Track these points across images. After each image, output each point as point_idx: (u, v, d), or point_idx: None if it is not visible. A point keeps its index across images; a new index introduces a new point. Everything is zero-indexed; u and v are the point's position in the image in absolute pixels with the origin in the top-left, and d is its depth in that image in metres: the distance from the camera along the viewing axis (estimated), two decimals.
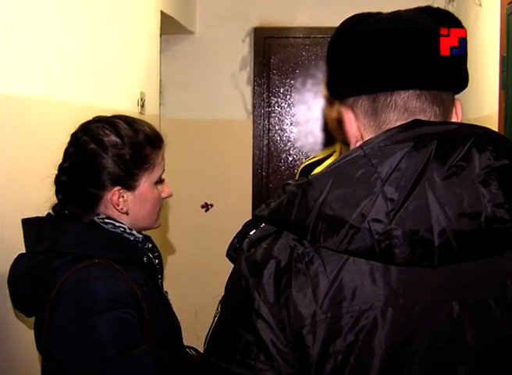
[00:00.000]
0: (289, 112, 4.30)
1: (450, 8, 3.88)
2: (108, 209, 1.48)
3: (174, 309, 1.63)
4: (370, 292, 0.85)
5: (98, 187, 1.46)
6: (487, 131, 0.90)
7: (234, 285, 0.93)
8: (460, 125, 0.91)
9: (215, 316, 0.96)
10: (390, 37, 0.92)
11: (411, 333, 0.85)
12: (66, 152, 1.50)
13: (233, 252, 0.98)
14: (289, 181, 0.94)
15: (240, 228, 0.99)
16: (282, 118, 4.31)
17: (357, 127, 0.97)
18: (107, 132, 1.46)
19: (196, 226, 4.24)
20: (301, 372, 0.86)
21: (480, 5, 2.99)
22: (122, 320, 1.33)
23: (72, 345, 1.33)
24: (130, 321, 1.34)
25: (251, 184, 4.28)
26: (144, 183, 1.49)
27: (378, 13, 0.98)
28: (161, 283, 1.61)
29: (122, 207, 1.47)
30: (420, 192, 0.84)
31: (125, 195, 1.47)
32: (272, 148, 4.32)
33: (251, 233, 0.95)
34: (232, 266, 0.97)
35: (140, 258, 1.50)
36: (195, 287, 4.06)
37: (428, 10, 0.97)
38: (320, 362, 0.85)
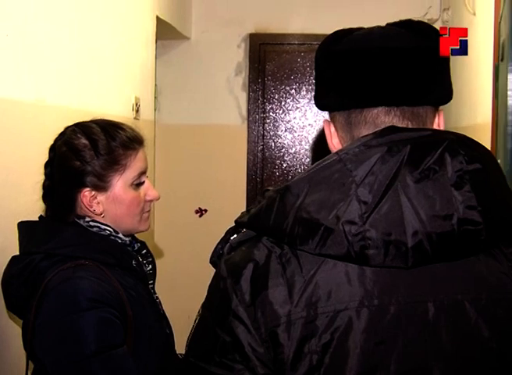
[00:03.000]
0: (283, 118, 4.31)
1: (445, 17, 3.90)
2: (85, 211, 1.50)
3: (168, 316, 1.63)
4: (345, 293, 0.87)
5: (70, 188, 1.49)
6: (459, 137, 0.93)
7: (214, 287, 0.95)
8: (434, 131, 0.94)
9: (196, 319, 0.98)
10: (357, 56, 0.96)
11: (386, 333, 0.86)
12: (48, 157, 1.55)
13: (217, 259, 1.00)
14: (269, 187, 0.97)
15: (223, 235, 1.02)
16: (277, 124, 4.32)
17: (338, 140, 1.01)
18: (78, 135, 1.50)
19: (190, 231, 4.24)
20: (276, 372, 0.88)
21: (474, 14, 3.01)
22: (104, 320, 1.34)
23: (54, 343, 1.35)
24: (112, 321, 1.35)
25: (245, 190, 4.28)
26: (116, 183, 1.49)
27: (359, 29, 1.01)
28: (153, 288, 1.61)
29: (96, 208, 1.49)
30: (393, 195, 0.86)
31: (98, 197, 1.49)
32: (267, 154, 4.33)
33: (232, 238, 0.99)
34: None
35: (128, 262, 1.51)
36: (188, 292, 4.05)
37: (406, 24, 1.00)
38: (295, 361, 0.86)
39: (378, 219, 0.85)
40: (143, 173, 1.55)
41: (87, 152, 1.48)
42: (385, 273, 0.88)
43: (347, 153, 0.90)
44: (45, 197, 1.53)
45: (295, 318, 0.87)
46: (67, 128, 1.54)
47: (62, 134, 1.53)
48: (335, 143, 1.01)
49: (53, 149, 1.53)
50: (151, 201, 1.57)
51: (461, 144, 0.91)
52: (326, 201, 0.87)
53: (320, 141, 4.26)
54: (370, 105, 0.96)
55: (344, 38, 0.99)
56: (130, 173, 1.51)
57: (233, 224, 1.01)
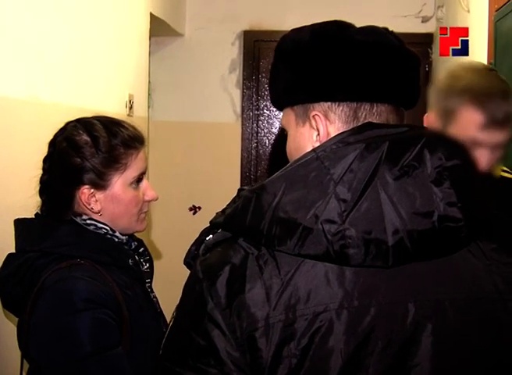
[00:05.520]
0: (277, 115, 4.30)
1: (439, 14, 3.90)
2: (83, 209, 1.48)
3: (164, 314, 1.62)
4: (324, 294, 0.85)
5: (68, 185, 1.47)
6: (437, 133, 0.93)
7: (189, 289, 0.93)
8: (411, 127, 0.93)
9: (170, 321, 0.95)
10: (381, 50, 0.96)
11: (367, 335, 0.85)
12: (47, 152, 1.52)
13: (191, 260, 0.98)
14: (244, 187, 0.94)
15: (198, 236, 0.99)
16: (271, 121, 4.32)
17: (325, 134, 0.98)
18: (80, 132, 1.47)
19: (183, 228, 4.22)
20: None
21: (468, 12, 3.01)
22: (99, 321, 1.33)
23: (49, 344, 1.33)
24: (107, 322, 1.34)
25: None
26: (116, 183, 1.47)
27: (351, 24, 1.00)
28: (150, 287, 1.60)
29: (93, 206, 1.47)
30: (372, 192, 0.84)
31: (96, 195, 1.46)
32: (261, 151, 4.32)
33: (207, 238, 0.95)
34: None
35: (124, 261, 1.49)
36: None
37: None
38: (273, 365, 0.84)
39: (358, 218, 0.83)
40: (143, 173, 1.53)
41: (88, 149, 1.45)
42: (365, 273, 0.86)
43: (324, 150, 0.88)
44: (42, 192, 1.51)
45: (273, 321, 0.84)
46: (68, 123, 1.51)
47: (62, 130, 1.51)
48: (322, 135, 0.96)
49: (53, 144, 1.50)
50: (149, 201, 1.56)
51: (439, 140, 0.91)
52: (304, 200, 0.85)
53: None
54: (381, 99, 0.96)
55: (350, 29, 0.97)
56: (131, 173, 1.49)
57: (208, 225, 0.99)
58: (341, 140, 0.89)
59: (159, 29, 3.76)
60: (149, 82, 3.58)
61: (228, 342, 0.85)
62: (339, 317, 0.84)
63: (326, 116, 0.96)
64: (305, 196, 0.85)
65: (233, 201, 0.94)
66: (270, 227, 0.86)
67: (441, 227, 0.85)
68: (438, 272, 0.88)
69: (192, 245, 1.00)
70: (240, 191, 0.94)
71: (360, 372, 0.84)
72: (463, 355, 0.87)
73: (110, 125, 1.50)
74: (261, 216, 0.87)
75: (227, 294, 0.86)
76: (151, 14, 3.40)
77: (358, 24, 1.01)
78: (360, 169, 0.85)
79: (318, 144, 0.95)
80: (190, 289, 0.92)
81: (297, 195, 0.86)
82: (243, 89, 4.27)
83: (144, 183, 1.54)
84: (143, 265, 1.58)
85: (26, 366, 1.45)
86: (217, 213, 0.97)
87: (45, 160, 1.52)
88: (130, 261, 1.51)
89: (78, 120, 1.52)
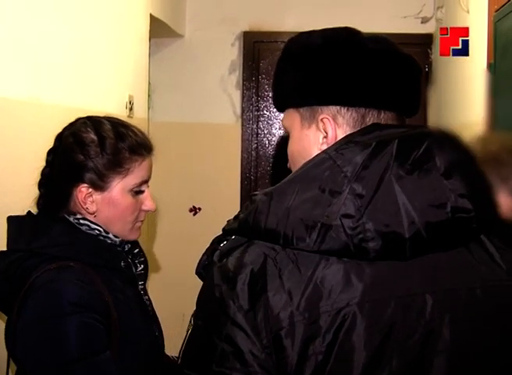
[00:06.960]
0: (277, 116, 4.30)
1: (439, 15, 3.90)
2: (78, 208, 1.46)
3: (159, 317, 1.60)
4: (345, 290, 0.86)
5: (67, 181, 1.45)
6: (441, 130, 0.97)
7: (207, 295, 0.92)
8: (416, 127, 0.97)
9: (187, 330, 0.95)
10: (392, 58, 0.99)
11: (389, 327, 0.86)
12: (53, 145, 1.51)
13: (202, 270, 0.98)
14: (256, 192, 0.96)
15: (209, 245, 0.99)
16: (271, 122, 4.32)
17: (333, 136, 1.00)
18: (88, 129, 1.46)
19: (183, 229, 4.23)
20: None
21: (468, 12, 3.01)
22: (87, 325, 1.31)
23: (35, 347, 1.31)
24: (95, 326, 1.32)
25: (239, 188, 4.27)
26: (116, 186, 1.45)
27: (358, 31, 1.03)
28: (144, 289, 1.57)
29: (89, 207, 1.45)
30: (387, 187, 0.87)
31: (93, 195, 1.45)
32: (261, 152, 4.32)
33: (221, 245, 0.96)
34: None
35: (116, 263, 1.47)
36: (182, 293, 4.04)
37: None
38: (299, 364, 0.85)
39: (375, 211, 0.86)
40: (145, 181, 1.51)
41: (93, 148, 1.44)
42: (383, 266, 0.88)
43: (336, 150, 0.91)
44: (41, 184, 1.50)
45: (297, 320, 0.85)
46: (78, 119, 1.50)
47: (71, 125, 1.50)
48: (330, 137, 0.99)
49: (59, 138, 1.49)
50: (146, 211, 1.53)
51: (444, 137, 0.94)
52: (320, 198, 0.87)
53: None
54: (389, 107, 0.99)
55: (360, 36, 1.01)
56: (132, 180, 1.47)
57: (221, 232, 0.99)
58: (351, 140, 0.92)
59: (159, 30, 3.76)
60: (149, 83, 3.58)
61: (253, 344, 0.86)
62: (361, 311, 0.86)
63: (335, 120, 0.99)
64: (320, 194, 0.87)
65: (246, 206, 0.94)
66: (288, 228, 0.87)
67: (454, 218, 0.88)
68: (452, 263, 0.91)
69: (203, 255, 0.99)
70: (252, 196, 0.95)
71: (383, 364, 0.85)
72: (481, 342, 0.89)
73: (119, 128, 1.48)
74: (278, 216, 0.88)
75: (249, 297, 0.87)
76: (151, 15, 3.40)
77: (358, 25, 1.02)
78: (373, 165, 0.88)
79: (324, 147, 0.98)
80: (209, 295, 0.92)
81: (313, 194, 0.88)
82: (243, 90, 4.27)
83: (146, 192, 1.52)
84: (137, 266, 1.56)
85: (14, 366, 1.44)
86: (228, 221, 0.97)
87: (49, 153, 1.51)
88: (122, 263, 1.48)
89: (89, 118, 1.50)
